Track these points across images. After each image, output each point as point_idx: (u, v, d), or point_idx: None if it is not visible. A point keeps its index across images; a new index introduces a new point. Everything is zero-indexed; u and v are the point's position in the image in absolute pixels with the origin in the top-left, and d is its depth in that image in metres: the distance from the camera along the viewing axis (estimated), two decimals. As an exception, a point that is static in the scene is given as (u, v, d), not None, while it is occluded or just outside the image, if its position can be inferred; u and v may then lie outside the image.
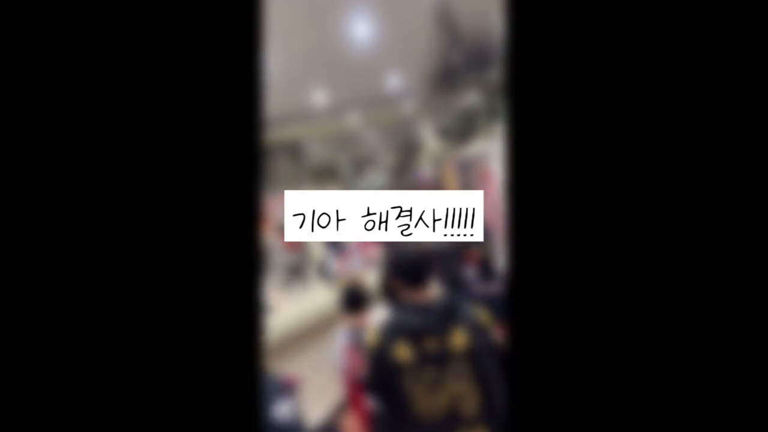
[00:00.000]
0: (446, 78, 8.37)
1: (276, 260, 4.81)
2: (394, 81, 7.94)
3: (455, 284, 2.47)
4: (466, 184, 7.70)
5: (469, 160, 5.46)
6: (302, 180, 11.23)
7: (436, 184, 10.21)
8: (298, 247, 5.02)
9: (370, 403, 1.12)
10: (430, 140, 12.12)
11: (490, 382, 1.07)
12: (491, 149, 4.72)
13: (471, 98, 8.98)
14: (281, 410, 0.98)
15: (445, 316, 1.10)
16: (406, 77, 7.90)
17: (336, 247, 4.69)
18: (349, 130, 10.33)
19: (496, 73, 8.38)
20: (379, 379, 1.10)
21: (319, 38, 5.67)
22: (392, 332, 1.10)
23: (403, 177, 13.81)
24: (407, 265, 1.16)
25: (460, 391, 1.05)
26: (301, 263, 4.78)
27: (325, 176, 13.74)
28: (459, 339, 1.07)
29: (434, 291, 1.18)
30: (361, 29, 5.68)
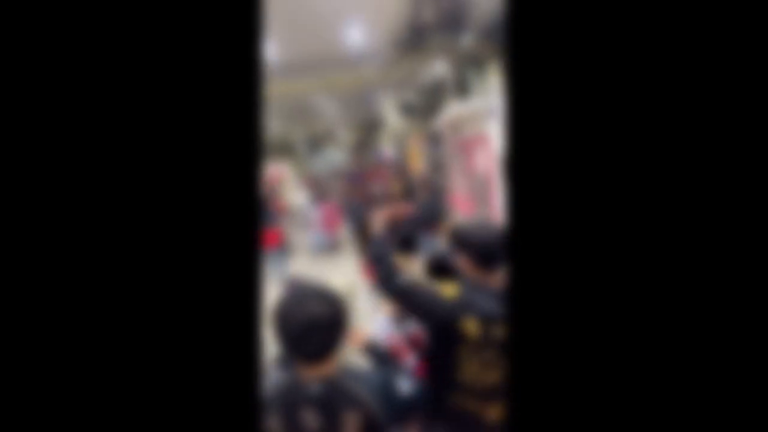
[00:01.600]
0: (413, 40, 7.37)
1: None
2: (354, 37, 6.86)
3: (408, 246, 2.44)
4: (437, 162, 6.89)
5: (454, 126, 4.54)
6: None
7: (400, 164, 9.45)
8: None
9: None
10: (392, 115, 11.22)
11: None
12: (487, 107, 3.72)
13: (439, 68, 8.08)
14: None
15: None
16: (368, 34, 6.85)
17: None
18: (304, 96, 9.18)
19: (470, 40, 7.51)
20: (440, 344, 1.16)
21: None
22: (464, 305, 1.12)
23: (364, 155, 12.94)
24: (481, 246, 1.15)
25: None
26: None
27: (279, 151, 12.52)
28: None
29: (500, 275, 1.17)
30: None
